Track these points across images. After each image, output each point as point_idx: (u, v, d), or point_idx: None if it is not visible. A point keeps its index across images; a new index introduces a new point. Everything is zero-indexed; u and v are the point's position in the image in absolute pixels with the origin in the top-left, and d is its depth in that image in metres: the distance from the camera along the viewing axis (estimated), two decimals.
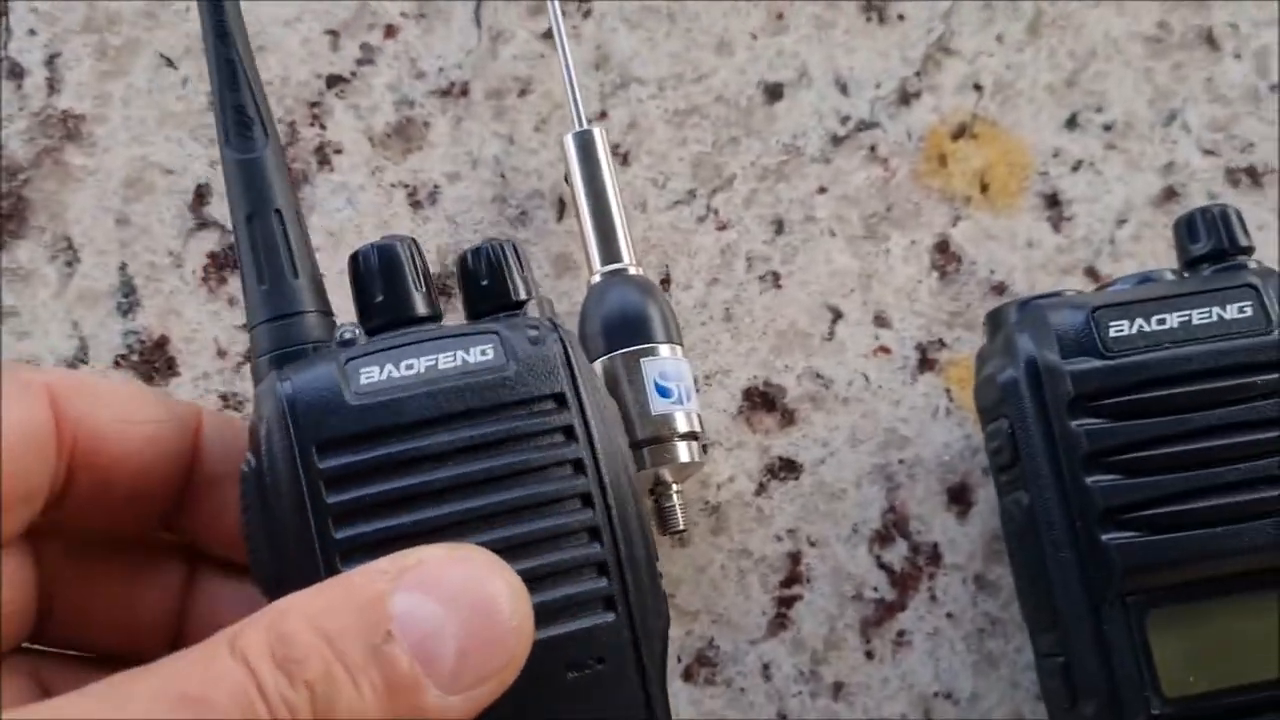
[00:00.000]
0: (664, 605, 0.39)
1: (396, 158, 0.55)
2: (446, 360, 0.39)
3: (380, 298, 0.41)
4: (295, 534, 0.37)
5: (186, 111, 0.55)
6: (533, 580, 0.36)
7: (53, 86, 0.54)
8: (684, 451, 0.48)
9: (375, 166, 0.55)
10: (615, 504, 0.38)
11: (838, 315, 0.55)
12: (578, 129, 0.52)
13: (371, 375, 0.38)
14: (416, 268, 0.41)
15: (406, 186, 0.55)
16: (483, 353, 0.39)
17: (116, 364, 0.53)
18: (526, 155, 0.55)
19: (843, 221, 0.56)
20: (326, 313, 0.42)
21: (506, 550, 0.36)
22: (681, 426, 0.48)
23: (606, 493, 0.38)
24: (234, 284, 0.53)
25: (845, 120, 0.57)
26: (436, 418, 0.38)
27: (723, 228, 0.55)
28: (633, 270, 0.50)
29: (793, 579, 0.52)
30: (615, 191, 0.51)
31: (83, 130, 0.54)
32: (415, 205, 0.55)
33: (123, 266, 0.53)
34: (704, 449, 0.50)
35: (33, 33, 0.54)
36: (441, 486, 0.38)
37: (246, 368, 0.53)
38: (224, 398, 0.53)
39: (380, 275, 0.41)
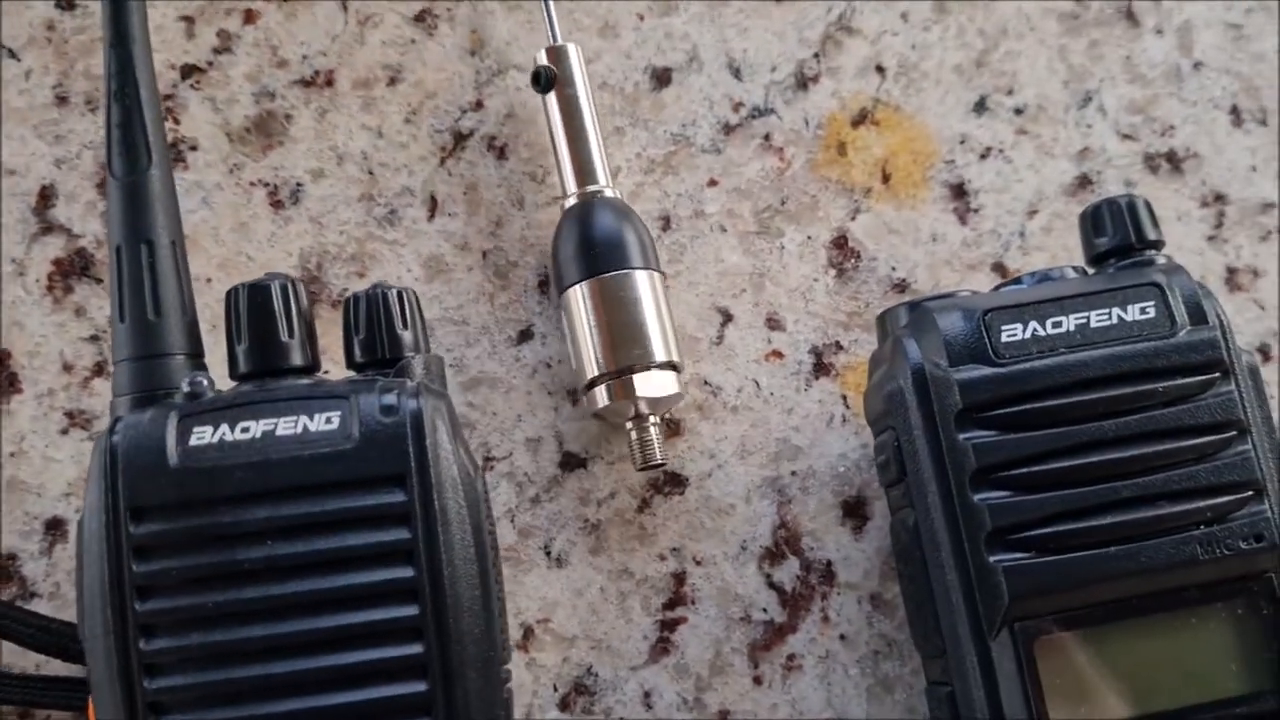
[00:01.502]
0: (501, 710, 0.36)
1: (256, 154, 0.51)
2: (286, 426, 0.37)
3: (246, 344, 0.39)
4: (98, 598, 0.35)
5: (29, 106, 0.51)
6: (346, 678, 0.34)
7: None
8: (662, 383, 0.47)
9: (233, 164, 0.51)
10: (450, 599, 0.36)
11: (727, 318, 0.51)
12: (551, 44, 0.50)
13: (203, 436, 0.36)
14: (291, 313, 0.39)
15: (267, 185, 0.51)
16: (327, 420, 0.37)
17: None
18: (396, 149, 0.52)
19: (734, 216, 0.52)
20: (196, 355, 0.40)
21: (321, 643, 0.35)
22: (659, 355, 0.46)
23: (440, 587, 0.35)
24: (81, 292, 0.50)
25: (738, 107, 0.53)
26: (260, 492, 0.36)
27: None
28: (609, 192, 0.48)
29: (676, 600, 0.49)
30: (592, 110, 0.49)
31: None
32: (276, 205, 0.51)
33: None
34: (679, 375, 0.48)
35: None
36: (253, 567, 0.35)
37: (95, 381, 0.49)
38: (69, 415, 0.49)
39: (248, 319, 0.39)
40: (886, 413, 0.44)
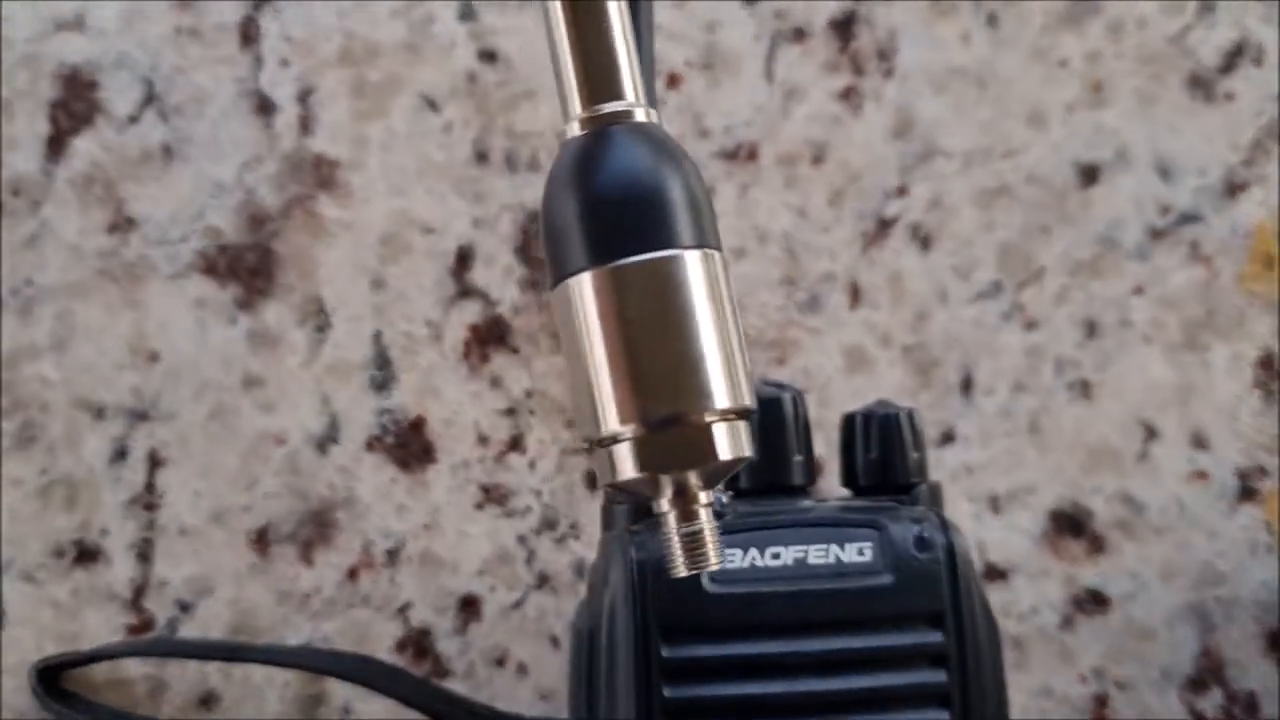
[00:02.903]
0: None
1: None
2: (818, 554, 0.35)
3: (755, 458, 0.37)
4: (619, 709, 0.34)
5: (449, 162, 0.49)
6: None
7: (305, 126, 0.49)
8: (728, 442, 0.27)
9: None
10: None
11: (1152, 433, 0.50)
12: None
13: (734, 559, 0.35)
14: (798, 427, 0.37)
15: None
16: (859, 552, 0.35)
17: (369, 446, 0.48)
18: (818, 232, 0.50)
19: (1160, 327, 0.50)
20: None
21: None
22: (721, 400, 0.26)
23: None
24: (498, 362, 0.48)
25: (1165, 211, 0.51)
26: (796, 624, 0.34)
27: (1030, 327, 0.50)
28: (640, 115, 0.27)
29: None
30: None
31: (337, 178, 0.48)
32: None
33: (377, 335, 0.48)
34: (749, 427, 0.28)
35: (285, 63, 0.49)
36: (788, 702, 0.34)
37: (510, 457, 0.48)
38: (484, 490, 0.48)
39: (760, 432, 0.37)
40: None
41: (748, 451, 0.27)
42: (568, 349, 0.27)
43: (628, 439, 0.26)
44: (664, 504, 0.27)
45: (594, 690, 0.36)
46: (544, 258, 0.28)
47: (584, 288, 0.26)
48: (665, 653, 0.34)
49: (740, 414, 0.27)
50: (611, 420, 0.26)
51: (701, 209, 0.27)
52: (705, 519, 0.27)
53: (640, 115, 0.27)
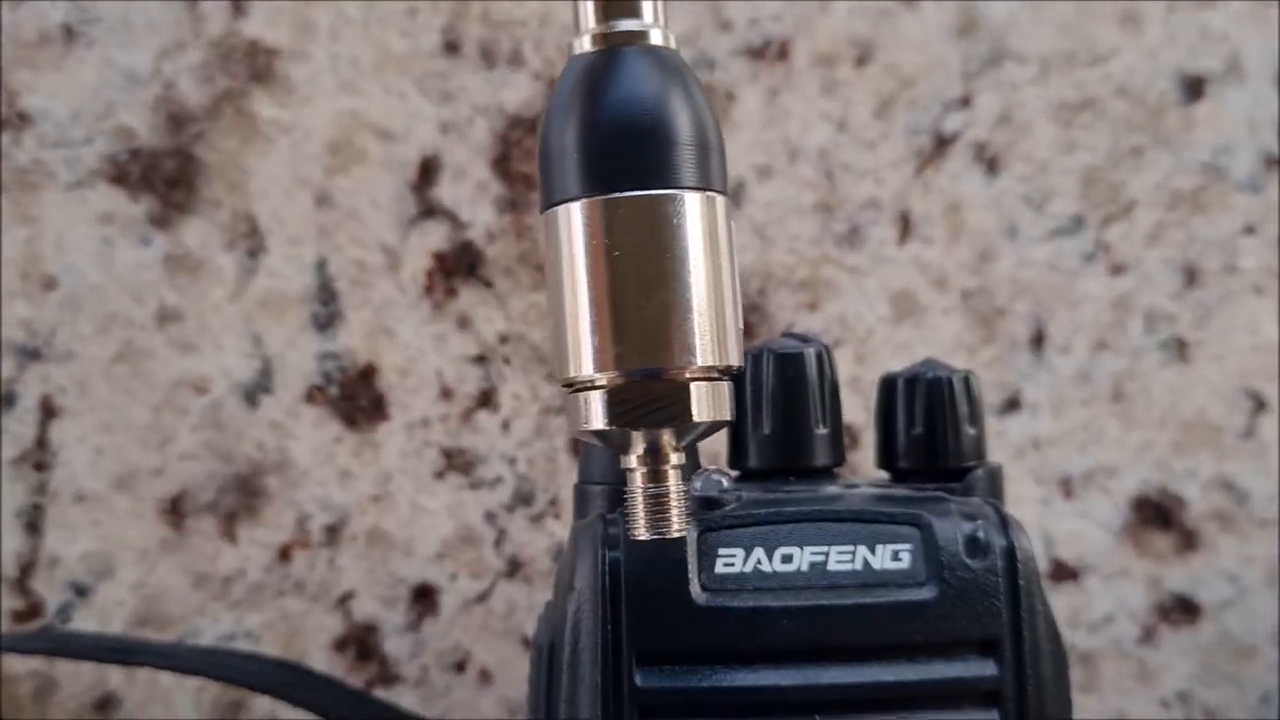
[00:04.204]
0: None
1: None
2: (841, 558, 0.28)
3: (769, 431, 0.29)
4: None
5: (412, 53, 0.40)
6: None
7: (238, 6, 0.40)
8: (703, 400, 0.25)
9: None
10: None
11: (1260, 404, 0.41)
12: None
13: (732, 562, 0.28)
14: (824, 392, 0.29)
15: None
16: (895, 556, 0.28)
17: (308, 398, 0.39)
18: (861, 149, 0.41)
19: (1274, 276, 0.42)
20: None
21: None
22: (705, 357, 0.25)
23: None
24: (466, 298, 0.40)
25: None
26: (810, 650, 0.28)
27: (1116, 272, 0.41)
28: (657, 37, 0.26)
29: None
30: None
31: (275, 70, 0.40)
32: None
33: (321, 263, 0.40)
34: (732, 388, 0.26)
35: None
36: None
37: (480, 416, 0.40)
38: (447, 455, 0.39)
39: (775, 397, 0.29)
40: None
41: (727, 414, 0.26)
42: (551, 281, 0.26)
43: (602, 387, 0.25)
44: (633, 460, 0.26)
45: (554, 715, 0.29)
46: (539, 179, 0.26)
47: (574, 217, 0.25)
48: (640, 681, 0.28)
49: (724, 373, 0.26)
50: (587, 365, 0.25)
51: (710, 148, 0.26)
52: (673, 482, 0.26)
53: (657, 37, 0.26)
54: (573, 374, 0.25)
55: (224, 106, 0.40)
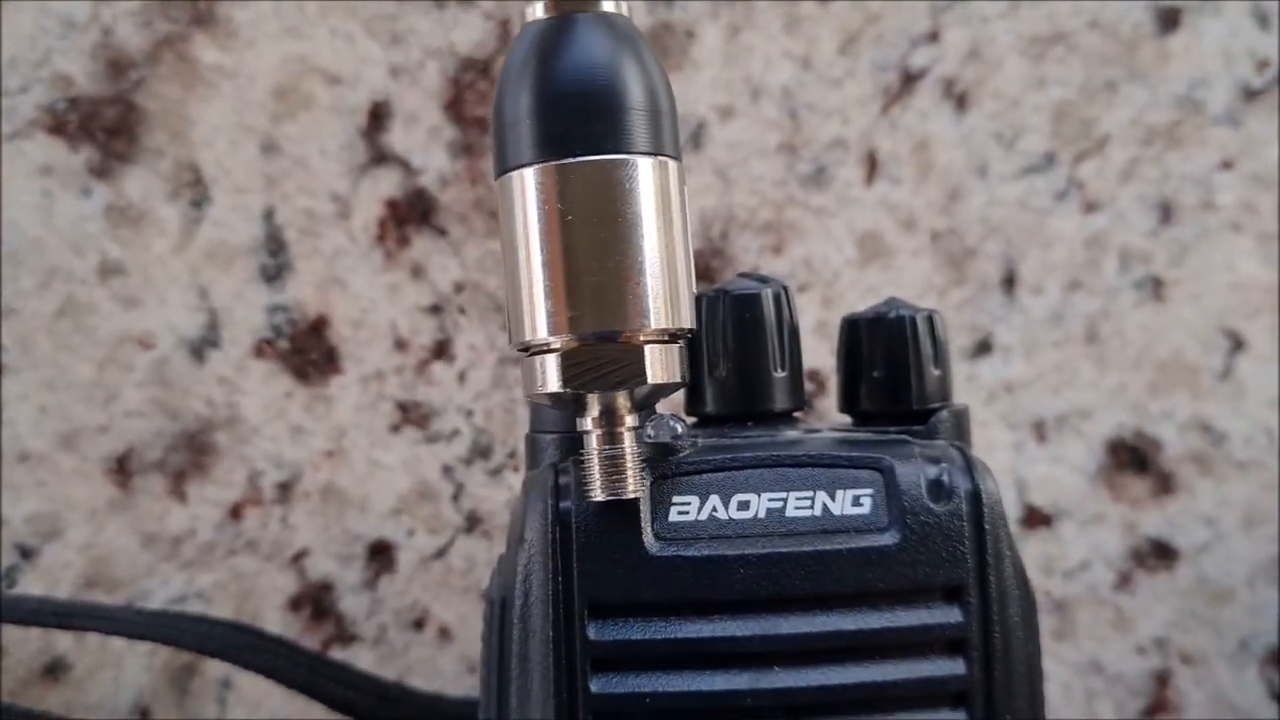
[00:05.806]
0: None
1: None
2: (800, 504, 0.27)
3: (724, 375, 0.28)
4: (532, 708, 0.27)
5: None
6: None
7: None
8: (660, 365, 0.26)
9: None
10: None
11: (1238, 344, 0.40)
12: None
13: (687, 510, 0.27)
14: (782, 334, 0.28)
15: None
16: (855, 501, 0.28)
17: (258, 352, 0.38)
18: (826, 87, 0.40)
19: (1252, 212, 0.40)
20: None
21: None
22: (659, 319, 0.25)
23: None
24: (420, 247, 0.38)
25: (1262, 66, 0.41)
26: (769, 598, 0.27)
27: (1090, 210, 0.40)
28: (609, 5, 0.26)
29: (1157, 706, 0.38)
30: None
31: (218, 13, 0.38)
32: None
33: (268, 213, 0.38)
34: (683, 353, 0.26)
35: None
36: (758, 702, 0.27)
37: (436, 367, 0.38)
38: (402, 408, 0.38)
39: (726, 341, 0.28)
40: None
41: (680, 376, 0.26)
42: (505, 247, 0.26)
43: (556, 350, 0.25)
44: (588, 422, 0.26)
45: (504, 681, 0.28)
46: (492, 145, 0.26)
47: (527, 183, 0.25)
48: (592, 634, 0.27)
49: (677, 335, 0.26)
50: (541, 328, 0.25)
51: (662, 114, 0.26)
52: (629, 443, 0.26)
53: (609, 4, 0.26)
54: (528, 338, 0.25)
55: (164, 52, 0.38)
